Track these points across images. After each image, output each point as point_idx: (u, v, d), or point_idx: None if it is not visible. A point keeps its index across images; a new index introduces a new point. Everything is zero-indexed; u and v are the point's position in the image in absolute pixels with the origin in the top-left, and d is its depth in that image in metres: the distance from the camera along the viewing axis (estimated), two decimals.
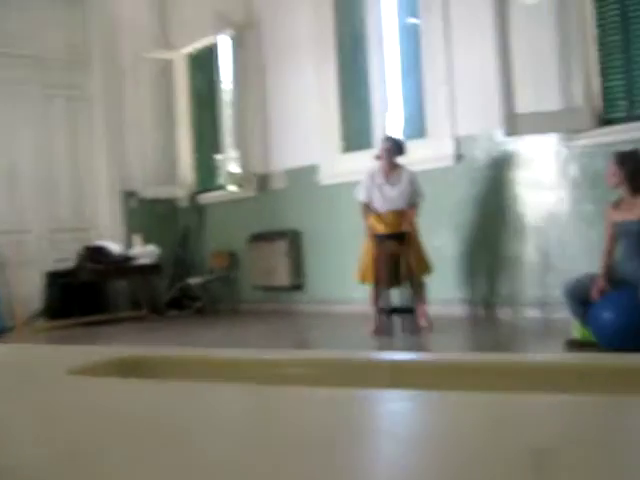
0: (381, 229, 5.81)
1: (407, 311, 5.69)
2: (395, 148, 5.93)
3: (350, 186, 7.40)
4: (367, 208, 5.99)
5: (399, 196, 5.83)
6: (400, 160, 5.97)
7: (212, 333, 6.83)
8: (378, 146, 6.19)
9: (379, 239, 5.71)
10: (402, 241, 5.65)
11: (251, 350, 1.19)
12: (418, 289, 5.86)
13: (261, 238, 8.24)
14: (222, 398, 0.82)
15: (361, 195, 6.02)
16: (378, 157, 6.00)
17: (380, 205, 5.90)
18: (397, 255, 5.66)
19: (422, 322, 5.77)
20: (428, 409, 0.75)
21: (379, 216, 5.90)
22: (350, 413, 0.73)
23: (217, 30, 8.48)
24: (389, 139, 6.05)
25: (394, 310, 5.70)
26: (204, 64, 9.29)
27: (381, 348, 5.28)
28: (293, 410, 0.76)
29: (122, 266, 8.40)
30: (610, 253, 4.48)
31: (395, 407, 0.77)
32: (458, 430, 0.66)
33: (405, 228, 5.73)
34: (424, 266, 5.84)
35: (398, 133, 6.96)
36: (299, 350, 5.32)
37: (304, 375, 0.98)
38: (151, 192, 9.13)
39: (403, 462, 0.58)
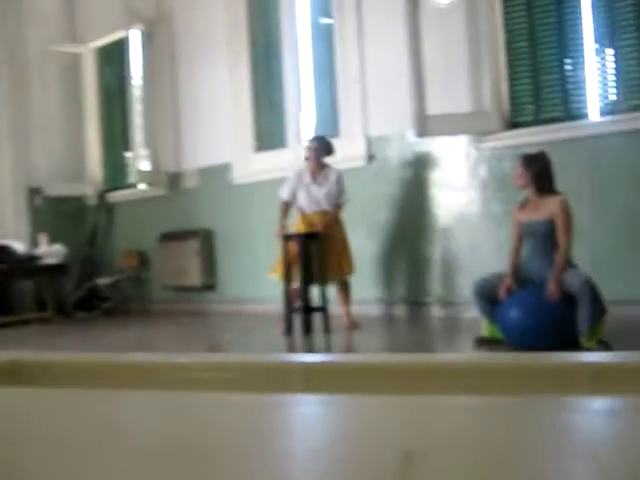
0: (303, 229, 5.79)
1: (319, 310, 5.68)
2: (322, 148, 5.89)
3: (264, 185, 7.38)
4: (286, 207, 5.95)
5: (325, 197, 5.80)
6: (328, 160, 5.94)
7: (121, 335, 6.67)
8: (302, 146, 6.18)
9: (297, 239, 5.67)
10: (315, 241, 5.63)
11: (161, 354, 1.15)
12: (341, 290, 5.85)
13: (172, 237, 8.11)
14: (122, 406, 0.78)
15: (284, 193, 5.97)
16: (307, 158, 5.94)
17: (306, 205, 5.87)
18: (310, 255, 5.64)
19: (347, 323, 5.77)
20: (338, 414, 0.73)
21: (304, 216, 5.87)
22: (261, 419, 0.71)
23: (127, 24, 8.29)
24: (316, 139, 6.00)
25: (309, 310, 5.67)
26: (114, 59, 9.07)
27: (292, 349, 5.25)
28: (203, 417, 0.73)
29: (27, 266, 8.12)
30: (517, 252, 4.59)
31: (306, 412, 0.75)
32: (368, 434, 0.64)
33: (323, 229, 5.69)
34: (347, 267, 5.83)
35: (320, 132, 6.97)
36: (211, 353, 5.25)
37: (216, 379, 0.94)
38: (58, 190, 8.86)
39: (314, 467, 0.56)
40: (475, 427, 0.66)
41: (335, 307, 5.88)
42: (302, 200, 5.88)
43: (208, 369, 0.99)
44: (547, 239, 4.43)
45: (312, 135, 6.39)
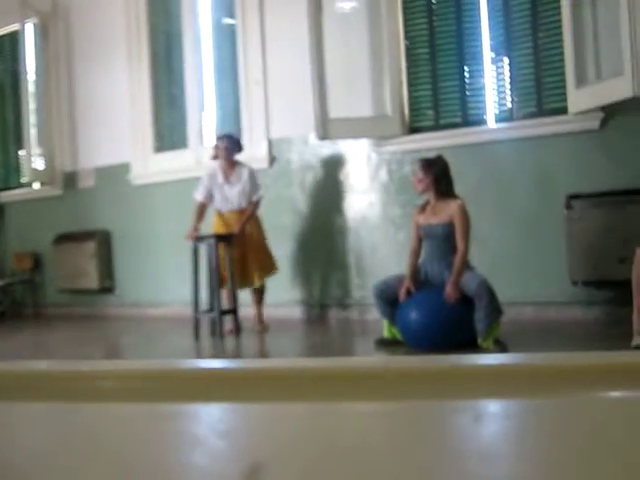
0: (220, 229, 5.70)
1: (230, 313, 5.60)
2: (233, 146, 5.77)
3: (164, 186, 7.26)
4: (201, 209, 5.82)
5: (239, 195, 5.70)
6: (238, 157, 5.83)
7: (13, 340, 6.41)
8: (204, 147, 6.07)
9: (209, 240, 5.56)
10: (229, 243, 5.54)
11: (54, 360, 1.09)
12: (256, 291, 5.78)
13: (68, 239, 7.86)
14: (8, 420, 0.73)
15: (199, 195, 5.84)
16: (215, 157, 5.81)
17: (222, 205, 5.76)
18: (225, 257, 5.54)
19: (259, 325, 5.73)
20: (242, 423, 0.70)
21: (220, 216, 5.78)
22: (164, 430, 0.68)
23: (21, 17, 7.98)
24: (225, 137, 5.85)
25: (222, 312, 5.56)
26: (6, 53, 8.72)
27: (201, 354, 5.16)
28: (101, 430, 0.69)
29: None
30: (415, 255, 4.66)
31: (210, 421, 0.72)
32: (276, 444, 0.62)
33: (240, 228, 5.59)
34: (264, 268, 5.74)
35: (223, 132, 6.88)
36: (108, 360, 5.12)
37: (115, 389, 0.90)
38: None
39: None
40: (361, 434, 0.65)
41: (246, 309, 5.82)
42: (217, 200, 5.77)
43: (105, 377, 0.94)
44: (445, 242, 4.52)
45: (219, 133, 6.24)
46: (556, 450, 0.56)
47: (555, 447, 0.57)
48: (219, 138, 5.88)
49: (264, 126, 6.67)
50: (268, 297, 5.88)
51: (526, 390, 0.75)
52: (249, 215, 5.68)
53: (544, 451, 0.56)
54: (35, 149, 8.15)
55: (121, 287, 7.72)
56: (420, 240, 4.67)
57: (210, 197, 5.81)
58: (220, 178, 5.77)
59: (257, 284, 5.71)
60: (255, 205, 5.74)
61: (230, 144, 5.76)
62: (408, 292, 4.51)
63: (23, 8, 7.96)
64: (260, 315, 5.79)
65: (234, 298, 5.61)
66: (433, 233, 4.56)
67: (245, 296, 5.87)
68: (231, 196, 5.72)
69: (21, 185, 8.57)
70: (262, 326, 5.75)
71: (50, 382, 0.93)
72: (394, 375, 0.81)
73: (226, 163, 5.76)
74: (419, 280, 4.56)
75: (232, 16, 7.03)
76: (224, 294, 5.67)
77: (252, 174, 5.77)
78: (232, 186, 5.72)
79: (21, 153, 8.61)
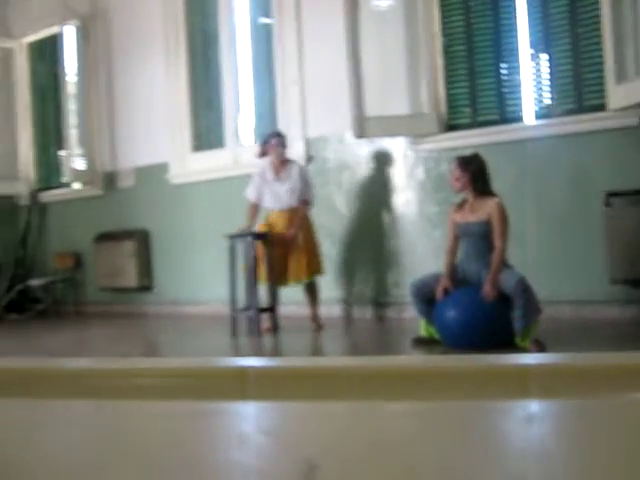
0: (264, 228, 5.65)
1: (268, 311, 5.61)
2: (284, 143, 5.73)
3: (201, 185, 7.31)
4: (254, 209, 5.77)
5: (288, 193, 5.63)
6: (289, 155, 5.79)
7: (54, 338, 6.51)
8: (241, 146, 6.07)
9: (251, 238, 5.54)
10: (265, 241, 5.52)
11: (95, 358, 1.11)
12: (308, 290, 5.75)
13: (108, 238, 7.97)
14: (50, 417, 0.75)
15: (250, 194, 5.79)
16: (263, 154, 5.75)
17: (271, 203, 5.70)
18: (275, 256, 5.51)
19: (312, 323, 5.70)
20: (287, 421, 0.71)
21: (268, 215, 5.73)
22: (203, 427, 0.69)
23: (62, 20, 8.10)
24: (277, 134, 5.81)
25: (261, 310, 5.58)
26: (47, 55, 8.87)
27: (238, 352, 5.17)
28: (140, 428, 0.70)
29: None
30: (452, 253, 4.63)
31: (252, 419, 0.73)
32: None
33: (289, 228, 5.55)
34: (314, 267, 5.67)
35: (261, 133, 6.91)
36: (148, 358, 5.16)
37: (154, 387, 0.91)
38: None
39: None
40: (404, 432, 0.65)
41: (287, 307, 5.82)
42: (267, 199, 5.72)
43: (145, 375, 0.96)
44: (483, 240, 4.49)
45: (268, 131, 6.11)
46: (595, 452, 0.56)
47: (595, 449, 0.56)
48: (270, 135, 5.81)
49: (301, 125, 6.68)
50: (304, 296, 5.88)
51: (565, 390, 0.75)
52: (302, 216, 5.63)
53: (582, 452, 0.55)
54: (76, 149, 8.27)
55: (159, 285, 7.80)
56: (457, 238, 4.64)
57: (261, 196, 5.76)
58: (270, 176, 5.71)
59: (292, 282, 5.66)
60: (306, 204, 5.69)
61: (282, 141, 5.72)
62: (445, 291, 4.49)
63: (63, 11, 8.08)
64: (314, 315, 5.74)
65: (273, 296, 5.62)
66: (470, 231, 4.53)
67: (288, 294, 5.89)
68: (281, 194, 5.65)
69: (62, 185, 8.70)
70: (316, 325, 5.69)
71: (91, 379, 0.94)
72: (433, 374, 0.81)
73: (277, 161, 5.70)
74: (456, 279, 4.53)
75: (269, 15, 7.06)
76: (264, 291, 5.65)
77: (303, 172, 5.71)
78: (282, 184, 5.65)
79: (62, 153, 8.74)
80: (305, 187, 5.67)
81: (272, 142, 5.70)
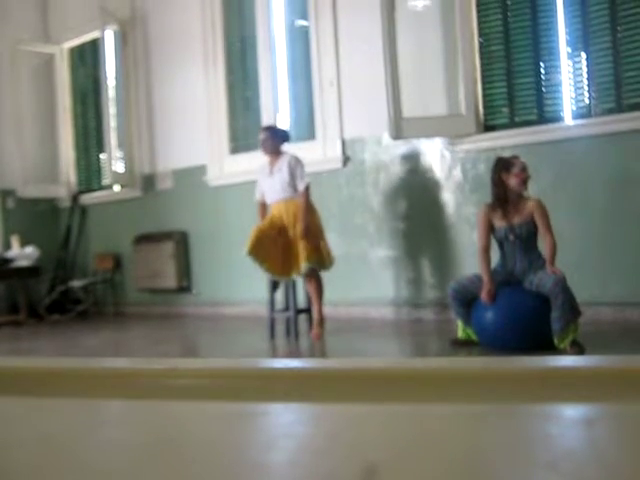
0: (267, 223, 5.52)
1: (304, 312, 5.59)
2: (273, 136, 5.59)
3: (239, 187, 7.36)
4: (262, 207, 5.70)
5: (280, 184, 5.48)
6: (285, 148, 5.67)
7: (95, 338, 6.60)
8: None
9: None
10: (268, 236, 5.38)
11: (136, 358, 1.13)
12: (307, 281, 5.52)
13: (147, 239, 8.06)
14: (94, 417, 0.76)
15: (256, 194, 5.75)
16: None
17: (269, 197, 5.61)
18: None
19: (311, 331, 5.48)
20: (310, 424, 0.72)
21: (271, 208, 5.62)
22: (244, 430, 0.70)
23: (102, 25, 8.22)
24: (265, 128, 5.73)
25: (298, 312, 5.55)
26: (88, 59, 9.01)
27: (275, 353, 5.20)
28: (183, 429, 0.71)
29: None
30: (488, 253, 4.57)
31: (290, 423, 0.73)
32: (337, 445, 0.63)
33: (290, 218, 5.43)
34: (310, 253, 5.35)
35: (296, 134, 6.90)
36: (188, 358, 5.21)
37: (194, 387, 0.93)
38: (31, 191, 8.77)
39: None
40: (443, 436, 0.65)
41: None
42: (267, 194, 5.62)
43: (186, 376, 0.97)
44: (528, 241, 4.48)
45: (265, 125, 6.07)
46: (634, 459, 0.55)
47: (634, 456, 0.56)
48: (260, 131, 5.75)
49: (338, 126, 6.69)
50: (341, 297, 5.88)
51: (605, 394, 0.74)
52: (305, 207, 5.40)
53: (622, 460, 0.55)
54: (115, 152, 8.39)
55: (198, 286, 7.87)
56: (488, 237, 4.61)
57: (263, 193, 5.67)
58: (267, 170, 5.63)
59: (294, 274, 5.43)
60: (305, 193, 5.44)
61: (269, 135, 5.60)
62: (492, 295, 4.43)
63: (103, 16, 8.20)
64: (318, 315, 5.45)
65: (293, 295, 5.50)
66: (517, 233, 4.50)
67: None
68: (275, 187, 5.52)
69: (102, 187, 8.83)
70: (315, 332, 5.43)
71: (128, 379, 0.96)
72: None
73: (269, 155, 5.62)
74: (496, 280, 4.50)
75: (305, 18, 7.08)
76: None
77: (292, 162, 5.50)
78: (274, 177, 5.53)
79: (102, 156, 8.87)
80: (292, 177, 5.47)
81: (261, 137, 5.63)
